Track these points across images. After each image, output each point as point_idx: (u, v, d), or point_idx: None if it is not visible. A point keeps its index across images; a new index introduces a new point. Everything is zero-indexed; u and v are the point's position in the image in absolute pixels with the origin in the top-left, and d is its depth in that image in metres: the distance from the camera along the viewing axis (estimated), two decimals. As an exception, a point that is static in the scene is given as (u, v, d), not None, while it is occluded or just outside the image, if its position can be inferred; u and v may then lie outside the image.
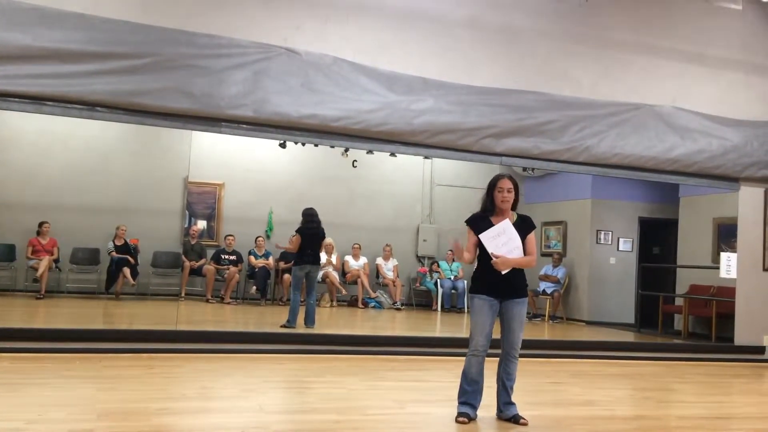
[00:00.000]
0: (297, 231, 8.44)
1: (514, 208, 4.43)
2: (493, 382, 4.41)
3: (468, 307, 6.09)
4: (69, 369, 5.42)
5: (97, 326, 8.10)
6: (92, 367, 5.52)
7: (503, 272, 4.23)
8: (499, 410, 4.39)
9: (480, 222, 4.39)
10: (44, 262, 10.13)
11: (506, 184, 4.36)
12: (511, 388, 4.37)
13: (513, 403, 4.35)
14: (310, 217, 8.57)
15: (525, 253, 4.32)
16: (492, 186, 4.40)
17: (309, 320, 8.11)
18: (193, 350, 6.51)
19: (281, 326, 7.94)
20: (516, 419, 4.28)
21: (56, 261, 10.60)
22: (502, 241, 4.24)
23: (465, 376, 4.31)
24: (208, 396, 5.00)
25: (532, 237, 4.40)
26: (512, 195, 4.36)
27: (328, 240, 12.05)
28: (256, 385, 5.33)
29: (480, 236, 4.26)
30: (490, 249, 4.22)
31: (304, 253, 8.36)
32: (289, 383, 5.02)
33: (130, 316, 9.50)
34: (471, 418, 4.24)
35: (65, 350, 6.04)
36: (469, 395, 4.28)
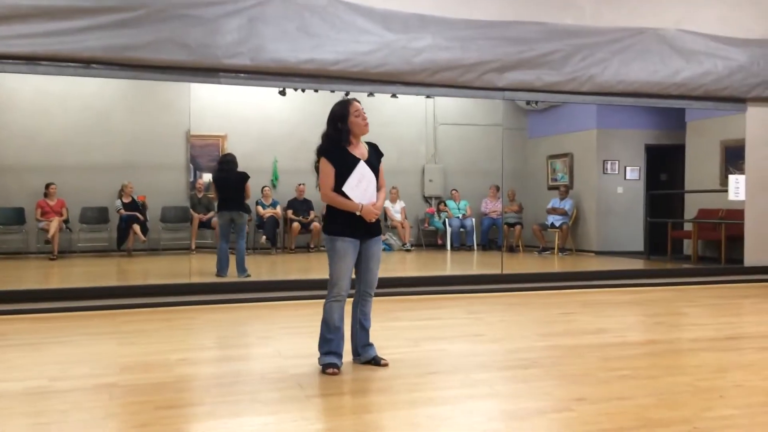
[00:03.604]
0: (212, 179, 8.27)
1: None
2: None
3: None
4: (88, 326, 5.51)
5: (113, 283, 8.22)
6: (111, 323, 5.61)
7: (374, 220, 3.99)
8: (357, 354, 4.16)
9: (339, 153, 3.98)
10: (54, 224, 10.20)
11: (360, 105, 4.03)
12: (369, 329, 4.17)
13: (372, 345, 4.17)
14: (221, 164, 8.38)
15: (378, 186, 4.06)
16: (345, 113, 3.98)
17: (238, 268, 7.99)
18: (209, 301, 6.60)
19: (215, 276, 7.95)
20: (377, 361, 4.10)
21: (66, 221, 10.68)
22: (363, 187, 3.95)
23: (327, 324, 3.99)
24: (227, 345, 5.10)
25: (382, 167, 4.14)
26: None
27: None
28: (272, 332, 5.42)
29: (344, 189, 3.93)
30: (356, 199, 3.93)
31: (221, 200, 8.18)
32: (306, 329, 5.10)
33: (143, 271, 9.62)
34: (339, 367, 3.95)
35: (83, 308, 6.14)
36: (332, 344, 3.98)
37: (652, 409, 3.30)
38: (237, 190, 8.15)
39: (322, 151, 4.03)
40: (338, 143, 3.99)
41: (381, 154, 4.16)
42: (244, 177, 8.20)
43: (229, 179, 8.17)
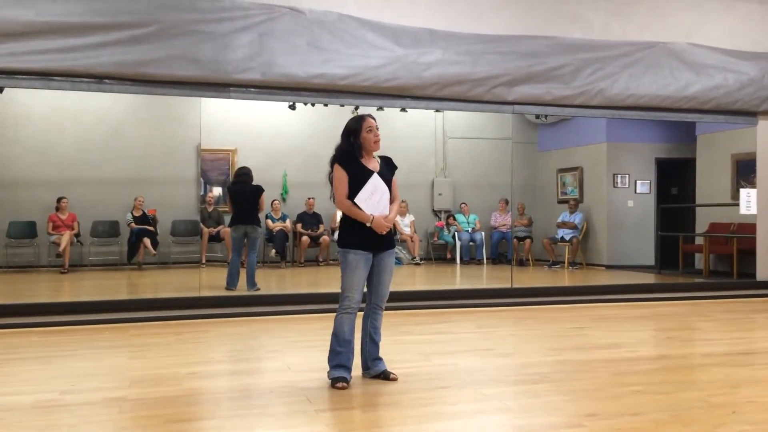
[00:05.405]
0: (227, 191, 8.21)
1: None
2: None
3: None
4: (98, 340, 5.53)
5: (123, 297, 8.24)
6: (121, 337, 5.62)
7: (384, 232, 3.99)
8: (366, 367, 4.15)
9: (352, 164, 4.02)
10: (65, 237, 10.27)
11: (374, 122, 4.06)
12: (379, 343, 4.17)
13: (381, 359, 4.16)
14: (237, 177, 8.38)
15: (391, 198, 4.07)
16: (358, 128, 4.03)
17: (249, 282, 7.99)
18: (219, 315, 6.61)
19: (225, 289, 7.98)
20: (386, 375, 4.08)
21: (77, 235, 10.75)
22: (376, 199, 3.97)
23: (337, 337, 3.99)
24: (237, 358, 5.09)
25: (395, 179, 4.16)
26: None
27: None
28: (282, 346, 5.41)
29: (355, 201, 3.95)
30: (368, 211, 3.94)
31: (236, 213, 8.17)
32: (315, 342, 5.09)
33: (153, 285, 9.64)
34: (348, 381, 3.94)
35: (93, 321, 6.16)
36: (342, 357, 3.97)
37: (664, 424, 3.27)
38: (252, 203, 8.18)
39: (335, 160, 4.07)
40: (351, 155, 4.05)
41: (395, 167, 4.21)
42: (259, 190, 8.23)
43: (245, 192, 8.19)
